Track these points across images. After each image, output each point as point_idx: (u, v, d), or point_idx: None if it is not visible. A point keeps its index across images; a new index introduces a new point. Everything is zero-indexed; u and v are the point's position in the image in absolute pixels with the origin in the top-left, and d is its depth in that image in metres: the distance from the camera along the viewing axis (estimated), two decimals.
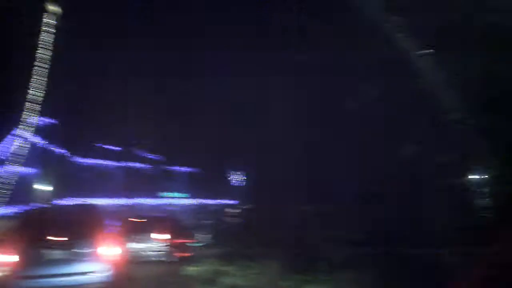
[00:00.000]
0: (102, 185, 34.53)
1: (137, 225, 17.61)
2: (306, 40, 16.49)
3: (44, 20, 36.95)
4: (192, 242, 22.32)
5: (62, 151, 35.06)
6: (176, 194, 35.78)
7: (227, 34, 29.38)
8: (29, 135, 36.43)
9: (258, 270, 9.75)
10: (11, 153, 35.81)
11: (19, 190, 31.41)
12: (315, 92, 16.97)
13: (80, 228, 9.29)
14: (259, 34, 23.67)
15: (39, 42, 36.50)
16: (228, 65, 28.91)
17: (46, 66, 36.60)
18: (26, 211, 15.81)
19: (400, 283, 6.00)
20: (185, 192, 35.31)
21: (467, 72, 10.85)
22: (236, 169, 34.68)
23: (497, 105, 10.57)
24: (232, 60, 28.06)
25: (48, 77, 36.12)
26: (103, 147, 35.89)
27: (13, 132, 36.27)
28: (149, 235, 16.76)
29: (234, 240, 19.94)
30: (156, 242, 16.70)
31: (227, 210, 34.37)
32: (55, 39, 36.39)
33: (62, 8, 36.45)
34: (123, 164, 36.63)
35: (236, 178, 35.19)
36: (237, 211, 33.86)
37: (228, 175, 35.20)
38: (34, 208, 21.38)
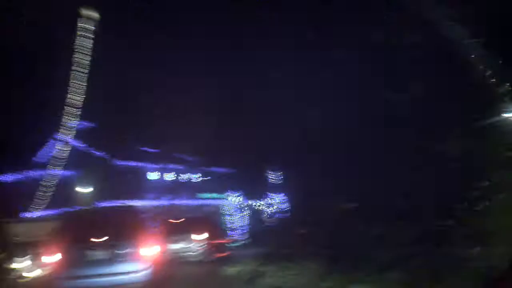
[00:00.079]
0: (142, 187, 35.12)
1: (176, 226, 17.79)
2: (349, 35, 16.02)
3: (80, 24, 37.88)
4: (229, 242, 22.37)
5: (102, 154, 35.83)
6: (214, 195, 35.89)
7: (277, 34, 29.09)
8: (69, 139, 37.45)
9: (297, 271, 9.57)
10: (52, 157, 36.94)
11: (61, 193, 32.29)
12: (360, 90, 16.53)
13: (120, 229, 9.38)
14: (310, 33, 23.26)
15: (76, 46, 37.43)
16: (275, 65, 28.65)
17: (84, 70, 37.55)
18: (68, 213, 16.21)
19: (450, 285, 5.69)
20: (222, 193, 35.33)
21: None
22: (275, 168, 34.46)
23: None
24: (279, 59, 27.82)
25: (87, 80, 37.04)
26: (143, 149, 36.45)
27: (54, 136, 37.40)
28: (187, 236, 16.89)
29: (271, 240, 19.82)
30: (194, 242, 16.81)
31: (263, 209, 34.35)
32: (93, 43, 37.28)
33: (99, 13, 37.29)
34: (162, 166, 37.10)
35: (275, 177, 34.97)
36: (274, 210, 33.76)
37: (267, 174, 35.02)
38: (76, 209, 21.92)
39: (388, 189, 12.13)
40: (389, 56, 13.84)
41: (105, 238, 9.14)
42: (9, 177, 32.56)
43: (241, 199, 34.49)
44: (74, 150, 36.55)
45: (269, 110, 27.91)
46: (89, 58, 37.17)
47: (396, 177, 12.19)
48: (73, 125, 37.50)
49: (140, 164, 36.43)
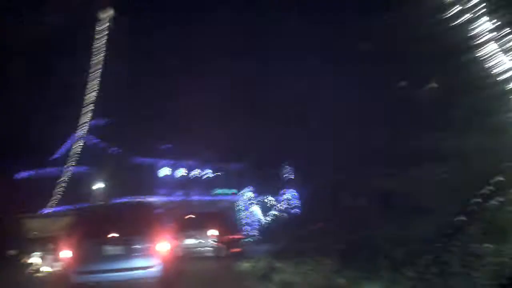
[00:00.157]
0: (156, 183, 35.39)
1: (190, 222, 17.93)
2: (371, 28, 15.85)
3: (98, 25, 38.32)
4: (243, 238, 22.48)
5: (118, 150, 36.13)
6: (228, 191, 36.02)
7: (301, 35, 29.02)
8: (86, 136, 37.87)
9: (312, 266, 9.53)
10: (69, 154, 37.40)
11: (77, 189, 32.68)
12: (379, 83, 16.41)
13: (135, 224, 9.46)
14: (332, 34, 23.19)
15: (94, 46, 37.92)
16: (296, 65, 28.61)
17: (101, 69, 37.99)
18: (84, 209, 16.42)
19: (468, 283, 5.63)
20: (237, 189, 35.45)
21: None
22: (288, 164, 34.39)
23: None
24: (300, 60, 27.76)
25: (104, 79, 37.42)
26: (157, 146, 36.65)
27: (72, 133, 37.88)
28: (201, 231, 17.00)
29: (284, 235, 19.81)
30: (208, 238, 16.91)
31: (276, 205, 34.41)
32: (111, 41, 37.64)
33: (116, 10, 37.60)
34: (176, 161, 37.28)
35: (289, 174, 34.92)
36: (287, 206, 33.78)
37: (281, 171, 34.97)
38: (91, 205, 22.19)
39: (401, 184, 12.03)
40: (402, 52, 13.71)
41: (120, 233, 9.24)
42: (25, 174, 33.10)
43: (254, 194, 34.58)
44: (89, 147, 36.99)
45: (283, 108, 27.88)
46: (105, 57, 37.59)
47: (407, 171, 12.08)
48: (90, 122, 37.98)
49: (154, 160, 36.71)
